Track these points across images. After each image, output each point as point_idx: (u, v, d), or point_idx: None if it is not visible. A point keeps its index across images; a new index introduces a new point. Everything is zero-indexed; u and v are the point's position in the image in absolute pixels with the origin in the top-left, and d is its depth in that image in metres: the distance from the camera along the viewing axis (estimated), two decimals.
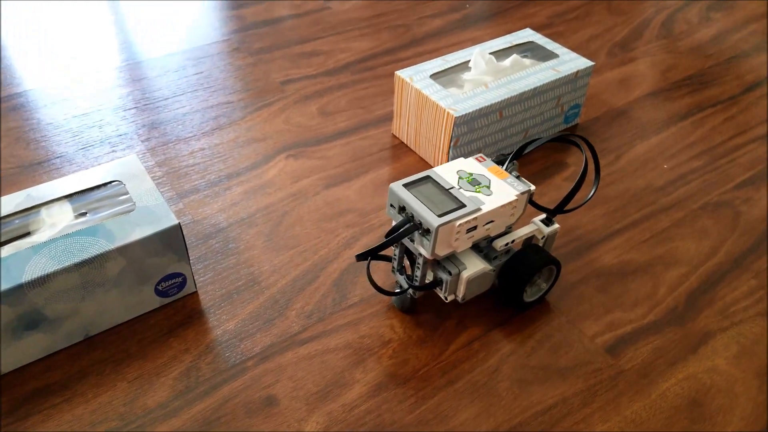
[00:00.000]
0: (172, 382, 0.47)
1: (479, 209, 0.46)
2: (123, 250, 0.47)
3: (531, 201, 0.51)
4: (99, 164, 0.67)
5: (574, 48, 0.89)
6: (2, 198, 0.50)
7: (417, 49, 0.88)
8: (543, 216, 0.53)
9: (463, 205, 0.46)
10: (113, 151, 0.69)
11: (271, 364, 0.49)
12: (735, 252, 0.59)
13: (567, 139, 0.51)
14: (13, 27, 0.89)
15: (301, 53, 0.86)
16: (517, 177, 0.50)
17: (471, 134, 0.64)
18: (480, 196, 0.47)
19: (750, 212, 0.64)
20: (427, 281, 0.51)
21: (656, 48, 0.90)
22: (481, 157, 0.51)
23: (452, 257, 0.50)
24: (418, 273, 0.49)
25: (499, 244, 0.50)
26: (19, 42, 0.86)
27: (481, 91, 0.65)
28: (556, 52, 0.71)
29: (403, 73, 0.67)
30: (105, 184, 0.52)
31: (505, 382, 0.48)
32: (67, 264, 0.45)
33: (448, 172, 0.49)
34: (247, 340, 0.50)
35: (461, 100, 0.63)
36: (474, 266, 0.49)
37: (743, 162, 0.70)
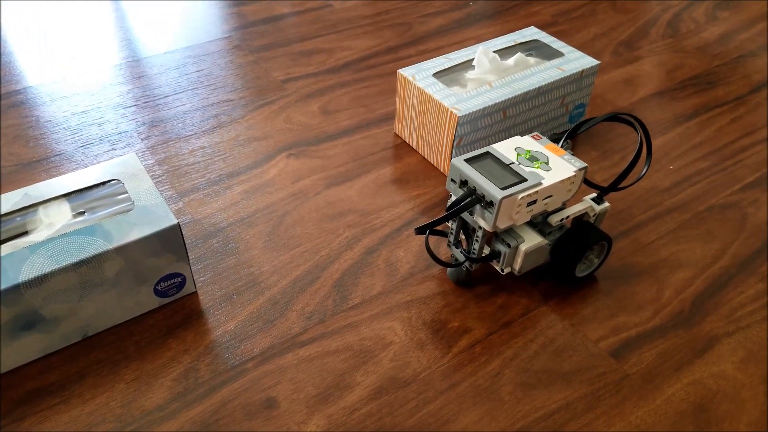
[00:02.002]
0: (171, 384, 0.47)
1: (540, 183, 0.48)
2: (121, 250, 0.46)
3: (584, 179, 0.52)
4: (98, 162, 0.66)
5: (579, 47, 0.88)
6: (0, 196, 0.50)
7: (419, 47, 0.87)
8: (593, 195, 0.54)
9: (525, 179, 0.48)
10: (113, 149, 0.68)
11: (271, 365, 0.48)
12: (742, 255, 0.59)
13: (620, 118, 0.53)
14: (13, 24, 0.89)
15: (302, 51, 0.85)
16: (572, 155, 0.51)
17: (474, 134, 0.63)
18: (539, 171, 0.49)
19: (757, 215, 0.63)
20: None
21: (662, 47, 0.89)
22: (537, 135, 0.53)
23: (510, 231, 0.51)
24: (476, 246, 0.51)
25: (555, 219, 0.51)
26: (19, 39, 0.86)
27: (484, 90, 0.64)
28: (561, 50, 0.70)
29: (405, 72, 0.66)
30: (103, 183, 0.52)
31: (508, 386, 0.48)
32: (64, 264, 0.44)
33: (506, 149, 0.51)
34: (247, 342, 0.50)
35: (464, 99, 0.62)
36: (531, 239, 0.50)
37: (750, 163, 0.69)
